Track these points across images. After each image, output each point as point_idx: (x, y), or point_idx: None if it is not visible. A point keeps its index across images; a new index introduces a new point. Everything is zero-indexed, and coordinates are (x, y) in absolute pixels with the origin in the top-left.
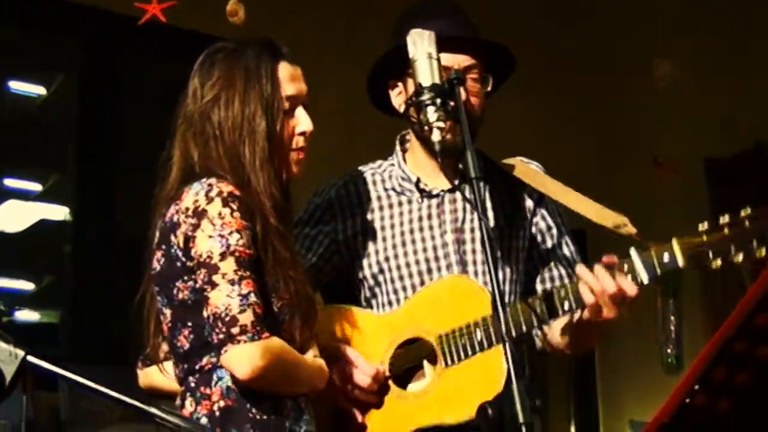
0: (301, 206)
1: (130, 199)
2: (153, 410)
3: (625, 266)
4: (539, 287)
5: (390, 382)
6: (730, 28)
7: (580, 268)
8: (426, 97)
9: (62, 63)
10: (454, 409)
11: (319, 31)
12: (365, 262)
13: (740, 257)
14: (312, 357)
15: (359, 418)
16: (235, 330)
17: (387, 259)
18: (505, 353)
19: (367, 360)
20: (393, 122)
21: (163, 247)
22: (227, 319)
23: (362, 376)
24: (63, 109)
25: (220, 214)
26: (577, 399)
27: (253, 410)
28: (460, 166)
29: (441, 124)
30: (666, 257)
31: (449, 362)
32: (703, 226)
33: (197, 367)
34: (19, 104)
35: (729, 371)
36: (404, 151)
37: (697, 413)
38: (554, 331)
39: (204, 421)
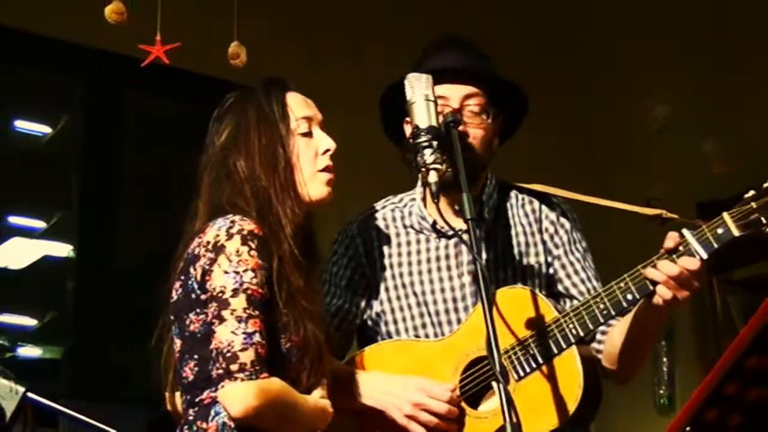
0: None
1: (132, 237)
2: None
3: (681, 248)
4: (563, 290)
5: (464, 404)
6: (727, 75)
7: (644, 267)
8: (423, 139)
9: (67, 103)
10: (539, 421)
11: (319, 69)
12: (384, 297)
13: None
14: (317, 397)
15: None
16: (234, 367)
17: (407, 296)
18: (501, 392)
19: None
20: (395, 161)
21: (182, 278)
22: (228, 355)
23: (438, 403)
24: (67, 147)
25: (237, 251)
26: None
27: None
28: (456, 207)
29: (438, 166)
30: (720, 230)
31: (521, 375)
32: (750, 194)
33: (197, 400)
34: (25, 142)
35: (720, 413)
36: (425, 185)
37: None
38: (614, 337)
39: None
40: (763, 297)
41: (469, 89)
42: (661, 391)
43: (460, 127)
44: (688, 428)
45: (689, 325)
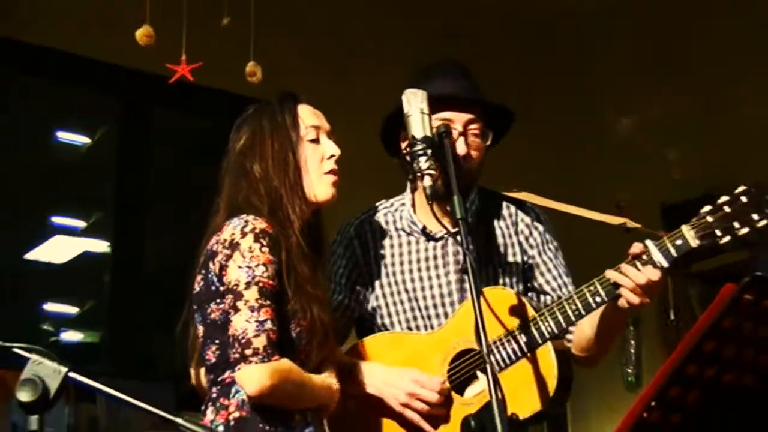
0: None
1: (160, 236)
2: (178, 420)
3: (644, 257)
4: (537, 286)
5: (452, 393)
6: (690, 84)
7: (609, 271)
8: (418, 147)
9: (103, 116)
10: (522, 405)
11: (319, 69)
12: (380, 293)
13: (745, 230)
14: (324, 377)
15: (431, 430)
16: (248, 351)
17: (399, 293)
18: (488, 372)
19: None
20: (391, 170)
21: (203, 272)
22: (243, 341)
23: (429, 393)
24: (104, 156)
25: (250, 248)
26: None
27: (263, 422)
28: (448, 208)
29: (432, 171)
30: (679, 241)
31: (502, 366)
32: (706, 209)
33: (219, 379)
34: (66, 152)
35: (681, 390)
36: (414, 191)
37: (653, 428)
38: (583, 329)
39: (221, 429)
40: (719, 288)
41: (471, 115)
42: (629, 370)
43: (462, 151)
44: (653, 403)
45: (654, 311)
